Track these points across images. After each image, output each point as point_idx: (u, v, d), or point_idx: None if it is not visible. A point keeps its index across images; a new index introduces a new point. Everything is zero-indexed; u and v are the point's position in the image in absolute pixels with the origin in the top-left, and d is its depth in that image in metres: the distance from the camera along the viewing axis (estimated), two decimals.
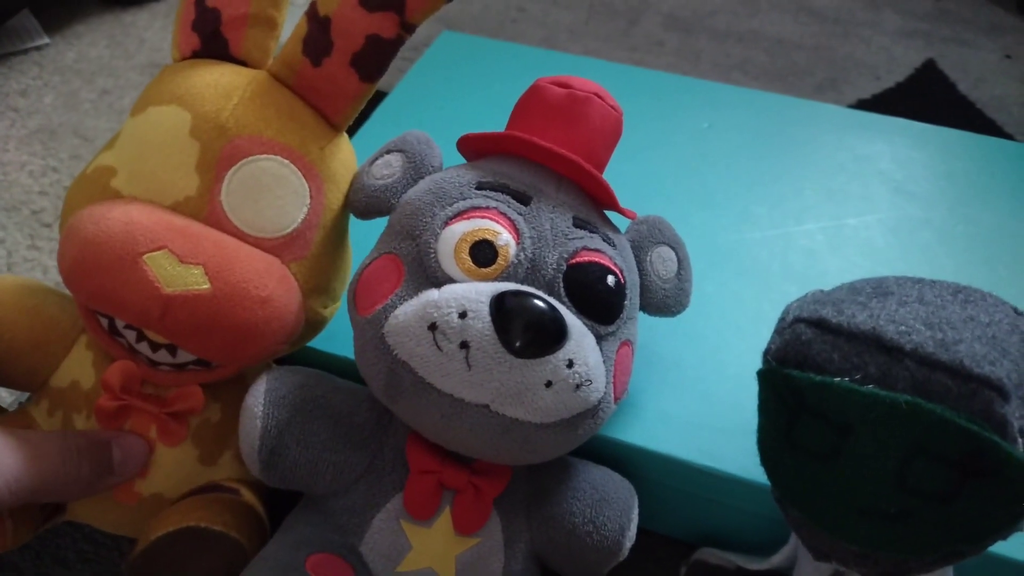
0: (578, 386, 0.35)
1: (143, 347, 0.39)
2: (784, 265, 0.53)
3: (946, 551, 0.31)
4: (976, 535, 0.31)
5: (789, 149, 0.63)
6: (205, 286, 0.36)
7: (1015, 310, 0.34)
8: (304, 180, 0.40)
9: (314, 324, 0.43)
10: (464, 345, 0.34)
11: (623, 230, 0.44)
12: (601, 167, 0.42)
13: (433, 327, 0.34)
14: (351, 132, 0.63)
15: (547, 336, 0.34)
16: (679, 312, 0.44)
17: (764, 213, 0.57)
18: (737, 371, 0.46)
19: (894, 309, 0.32)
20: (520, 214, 0.38)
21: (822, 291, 0.36)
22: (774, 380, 0.33)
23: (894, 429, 0.30)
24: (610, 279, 0.38)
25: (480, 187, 0.39)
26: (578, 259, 0.38)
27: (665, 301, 0.43)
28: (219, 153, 0.38)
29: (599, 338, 0.38)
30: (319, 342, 0.46)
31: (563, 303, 0.37)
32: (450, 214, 0.37)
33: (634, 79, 0.69)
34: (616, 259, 0.39)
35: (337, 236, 0.42)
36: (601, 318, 0.38)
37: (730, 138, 0.64)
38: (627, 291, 0.39)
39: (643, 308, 0.43)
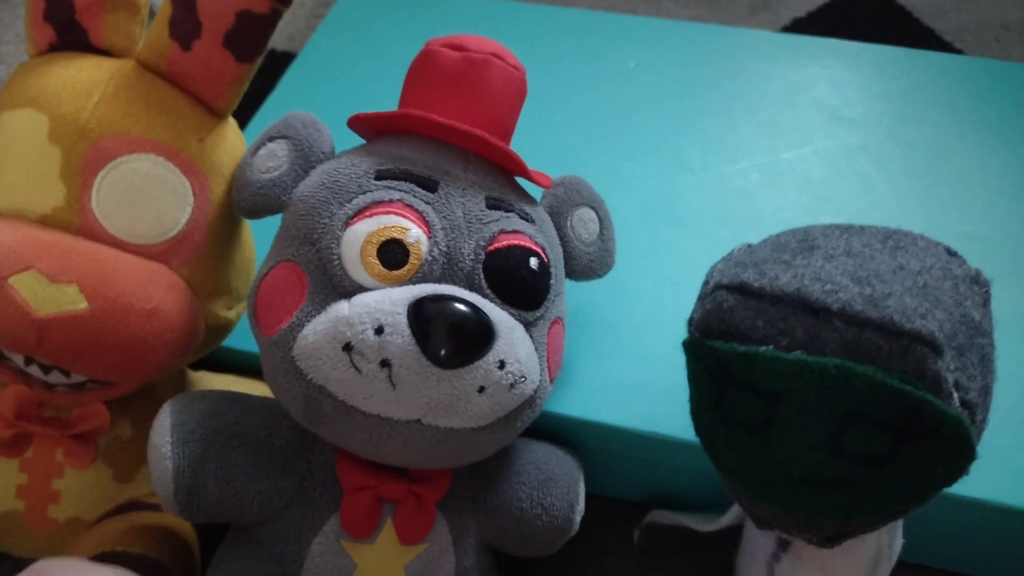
0: (512, 385, 0.33)
1: (34, 370, 0.36)
2: (719, 210, 0.51)
3: (889, 511, 0.30)
4: (917, 494, 0.29)
5: (720, 82, 0.60)
6: (82, 305, 0.33)
7: (948, 251, 0.32)
8: (184, 177, 0.37)
9: (219, 328, 0.40)
10: (385, 363, 0.31)
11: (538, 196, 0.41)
12: (508, 133, 0.39)
13: (348, 347, 0.31)
14: (258, 103, 0.60)
15: (474, 341, 0.32)
16: (605, 274, 0.42)
17: (696, 155, 0.55)
18: (675, 328, 0.43)
19: (820, 265, 0.30)
20: (428, 203, 0.34)
21: (748, 247, 0.34)
22: (698, 352, 0.31)
23: (824, 396, 0.28)
24: (533, 262, 0.35)
25: (380, 176, 0.35)
26: (496, 245, 0.35)
27: (590, 265, 0.41)
28: (83, 157, 0.35)
29: (528, 325, 0.35)
30: (234, 340, 0.44)
31: (486, 296, 0.34)
32: (350, 212, 0.34)
33: (555, 19, 0.66)
34: (537, 237, 0.36)
35: (231, 232, 0.40)
36: (528, 304, 0.35)
37: (658, 76, 0.61)
38: (551, 269, 0.37)
39: (568, 275, 0.40)
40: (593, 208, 0.41)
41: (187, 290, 0.37)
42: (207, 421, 0.36)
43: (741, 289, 0.30)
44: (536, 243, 0.36)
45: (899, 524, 0.35)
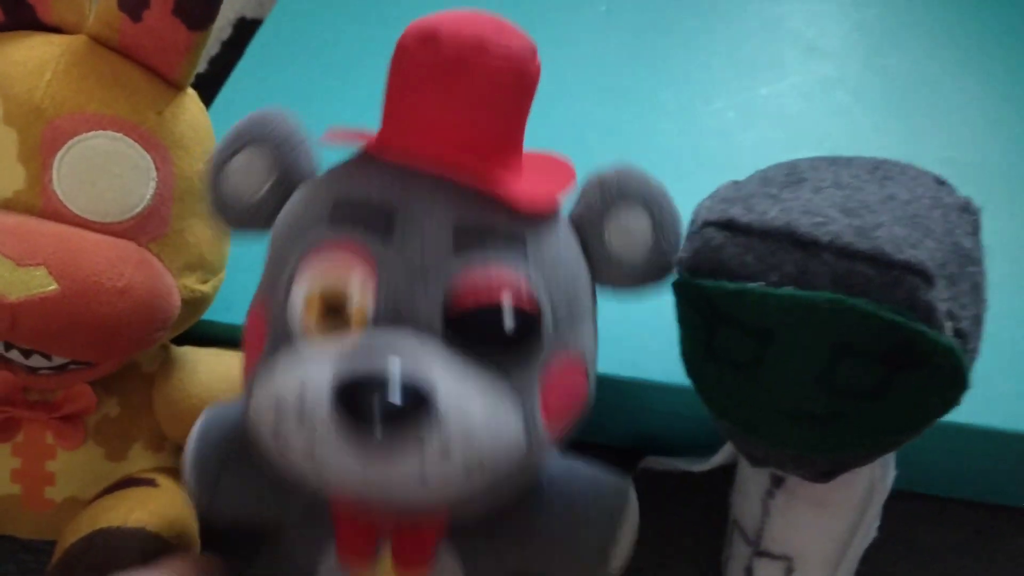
0: (468, 472, 0.28)
1: (14, 355, 0.36)
2: (697, 151, 0.51)
3: (882, 443, 0.30)
4: (910, 425, 0.29)
5: (693, 21, 0.59)
6: (52, 287, 0.33)
7: (936, 180, 0.32)
8: (144, 152, 0.36)
9: (195, 303, 0.40)
10: (309, 446, 0.28)
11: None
12: (505, 138, 0.32)
13: (278, 414, 0.28)
14: (226, 72, 0.58)
15: (400, 426, 0.27)
16: (663, 282, 0.34)
17: (672, 97, 0.54)
18: None
19: (808, 198, 0.30)
20: (382, 245, 0.29)
21: (735, 183, 0.34)
22: (687, 292, 0.31)
23: (815, 330, 0.28)
24: (507, 324, 0.29)
25: (336, 207, 0.30)
26: (460, 302, 0.29)
27: (633, 275, 0.33)
28: (40, 138, 0.34)
29: (506, 371, 0.30)
30: (216, 313, 0.43)
31: (445, 352, 0.29)
32: (298, 255, 0.30)
33: None
34: (524, 273, 0.30)
35: (199, 205, 0.39)
36: (502, 359, 0.30)
37: (631, 17, 0.60)
38: (544, 315, 0.30)
39: (602, 286, 0.34)
40: (644, 205, 0.33)
41: (158, 266, 0.36)
42: (222, 445, 0.35)
43: (729, 225, 0.29)
44: (518, 284, 0.30)
45: (891, 456, 0.35)
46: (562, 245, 0.32)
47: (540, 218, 0.32)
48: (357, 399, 0.26)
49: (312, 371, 0.27)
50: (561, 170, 0.34)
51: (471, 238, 0.30)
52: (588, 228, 0.33)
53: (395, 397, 0.26)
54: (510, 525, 0.35)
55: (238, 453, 0.34)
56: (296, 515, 0.35)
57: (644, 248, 0.33)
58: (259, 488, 0.35)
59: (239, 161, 0.33)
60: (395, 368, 0.27)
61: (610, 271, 0.33)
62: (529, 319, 0.30)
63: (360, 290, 0.29)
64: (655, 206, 0.33)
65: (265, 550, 0.38)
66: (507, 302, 0.29)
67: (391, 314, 0.29)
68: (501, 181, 0.30)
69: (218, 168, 0.33)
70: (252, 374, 0.30)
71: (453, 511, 0.33)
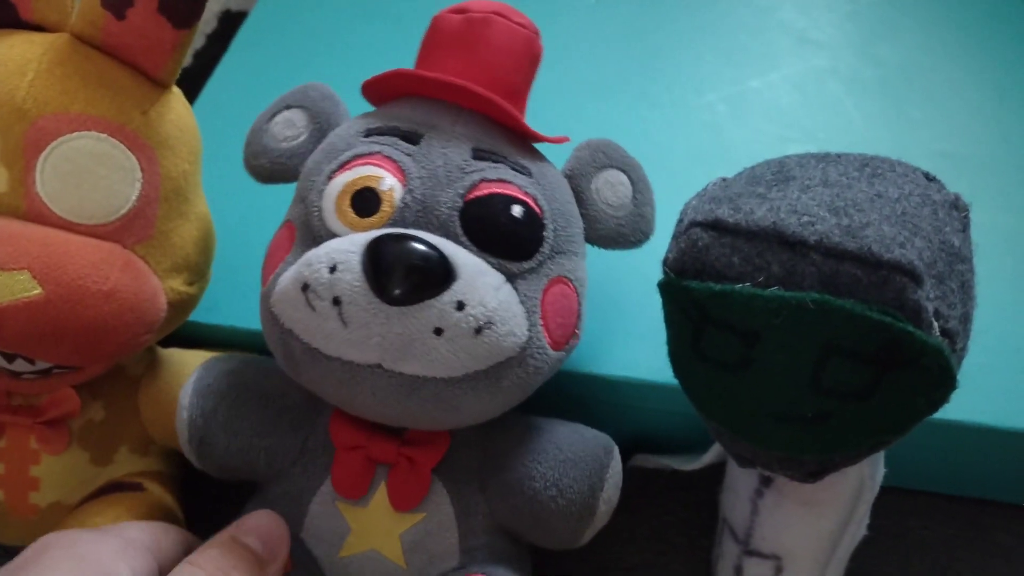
0: (478, 330, 0.31)
1: None
2: (687, 145, 0.50)
3: (870, 443, 0.30)
4: (898, 425, 0.29)
5: (684, 13, 0.59)
6: (36, 291, 0.32)
7: (926, 176, 0.31)
8: (129, 152, 0.35)
9: (181, 304, 0.39)
10: (336, 301, 0.31)
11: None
12: (515, 91, 0.37)
13: (305, 287, 0.31)
14: (211, 66, 0.58)
15: (424, 277, 0.30)
16: (642, 241, 0.40)
17: (662, 90, 0.54)
18: (645, 271, 0.43)
19: (796, 197, 0.29)
20: (408, 154, 0.34)
21: (723, 181, 0.34)
22: (674, 293, 0.30)
23: (803, 331, 0.27)
24: (516, 209, 0.34)
25: (368, 134, 0.35)
26: (476, 193, 0.34)
27: (619, 231, 0.39)
28: (22, 139, 0.34)
29: (513, 277, 0.34)
30: (203, 315, 0.43)
31: (461, 243, 0.33)
32: (334, 167, 0.34)
33: None
34: (529, 187, 0.35)
35: (185, 206, 0.38)
36: (511, 254, 0.34)
37: (621, 10, 0.59)
38: (546, 221, 0.35)
39: (595, 242, 0.39)
40: (624, 171, 0.39)
41: (144, 268, 0.36)
42: (224, 378, 0.37)
43: (715, 225, 0.29)
44: (525, 192, 0.34)
45: (880, 455, 0.35)
46: (559, 186, 0.37)
47: (542, 160, 0.38)
48: (385, 252, 0.30)
49: (344, 245, 0.31)
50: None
51: (486, 156, 0.35)
52: (579, 180, 0.38)
53: (419, 245, 0.31)
54: (501, 468, 0.37)
55: (237, 388, 0.37)
56: (293, 451, 0.37)
57: (627, 201, 0.39)
58: (256, 423, 0.37)
59: (281, 116, 0.39)
60: (426, 236, 0.32)
61: (598, 222, 0.38)
62: (534, 216, 0.34)
63: (390, 182, 0.33)
64: (632, 170, 0.39)
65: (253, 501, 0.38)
66: (515, 193, 0.34)
67: (417, 205, 0.33)
68: (514, 115, 0.36)
69: (260, 126, 0.39)
70: (276, 272, 0.34)
71: (454, 425, 0.35)
